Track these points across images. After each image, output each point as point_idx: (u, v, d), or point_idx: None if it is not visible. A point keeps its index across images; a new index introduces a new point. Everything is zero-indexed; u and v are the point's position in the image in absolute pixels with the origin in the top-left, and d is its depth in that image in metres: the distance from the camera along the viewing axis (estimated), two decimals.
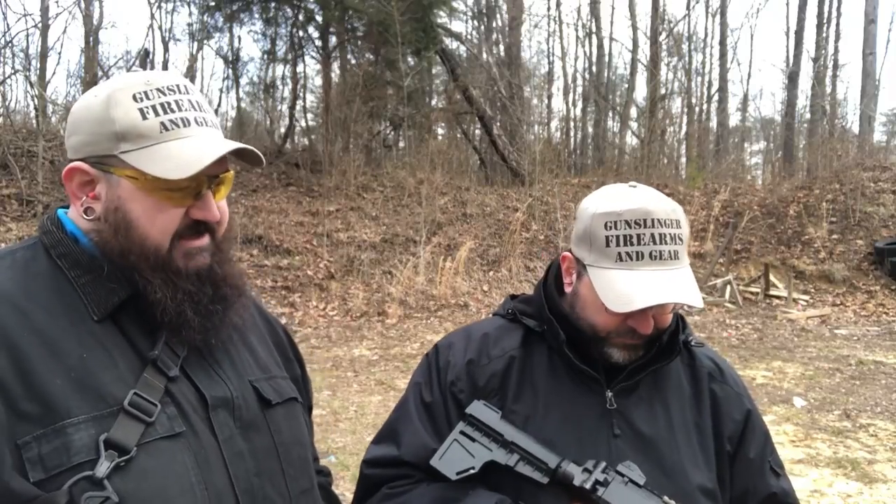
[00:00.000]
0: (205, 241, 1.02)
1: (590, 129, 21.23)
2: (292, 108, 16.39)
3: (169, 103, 0.98)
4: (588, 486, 1.11)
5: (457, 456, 1.17)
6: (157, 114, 0.96)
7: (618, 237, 1.15)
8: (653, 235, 1.14)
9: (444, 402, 1.26)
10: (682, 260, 1.18)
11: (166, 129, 0.97)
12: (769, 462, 1.28)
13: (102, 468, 0.84)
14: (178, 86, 1.00)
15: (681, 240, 1.18)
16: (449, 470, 1.16)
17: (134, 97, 0.96)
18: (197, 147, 0.97)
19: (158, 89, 0.98)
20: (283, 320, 9.44)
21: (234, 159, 1.04)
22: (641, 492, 1.11)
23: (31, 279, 0.95)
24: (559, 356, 1.25)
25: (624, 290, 1.13)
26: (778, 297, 11.30)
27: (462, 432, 1.19)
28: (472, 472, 1.15)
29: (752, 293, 11.61)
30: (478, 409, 1.20)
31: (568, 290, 1.27)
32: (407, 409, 1.29)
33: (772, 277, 11.65)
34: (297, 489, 1.07)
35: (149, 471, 0.88)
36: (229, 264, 1.06)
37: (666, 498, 1.10)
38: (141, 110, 0.96)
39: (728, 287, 11.41)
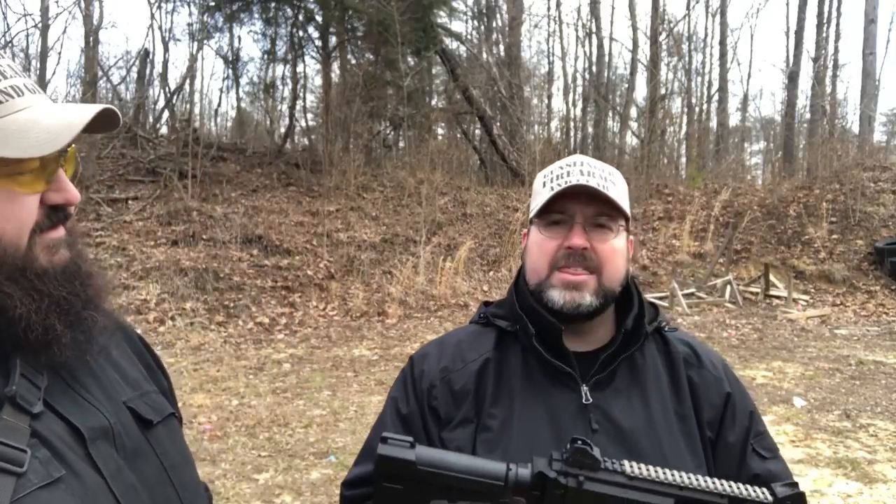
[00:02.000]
0: (61, 232, 0.86)
1: (590, 129, 21.24)
2: (292, 108, 16.40)
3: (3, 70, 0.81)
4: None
5: None
6: None
7: (552, 178, 1.24)
8: (581, 171, 1.22)
9: (421, 411, 1.24)
10: (612, 192, 1.20)
11: (6, 98, 0.80)
12: (752, 445, 1.24)
13: None
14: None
15: (613, 183, 1.22)
16: None
17: None
18: (53, 113, 0.82)
19: None
20: (283, 320, 9.47)
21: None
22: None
23: None
24: (532, 354, 1.24)
25: (546, 199, 1.21)
26: (778, 297, 11.30)
27: (385, 487, 0.97)
28: None
29: (752, 293, 11.61)
30: (387, 452, 0.96)
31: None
32: (384, 424, 1.27)
33: (772, 277, 11.65)
34: None
35: None
36: (87, 259, 0.91)
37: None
38: None
39: (728, 287, 11.42)
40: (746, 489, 0.94)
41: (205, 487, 1.10)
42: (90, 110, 0.83)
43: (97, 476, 0.82)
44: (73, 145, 0.86)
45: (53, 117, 0.81)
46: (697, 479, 0.94)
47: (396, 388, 1.31)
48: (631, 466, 0.95)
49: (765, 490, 0.94)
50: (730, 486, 0.94)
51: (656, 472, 0.95)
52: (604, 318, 1.26)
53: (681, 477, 0.94)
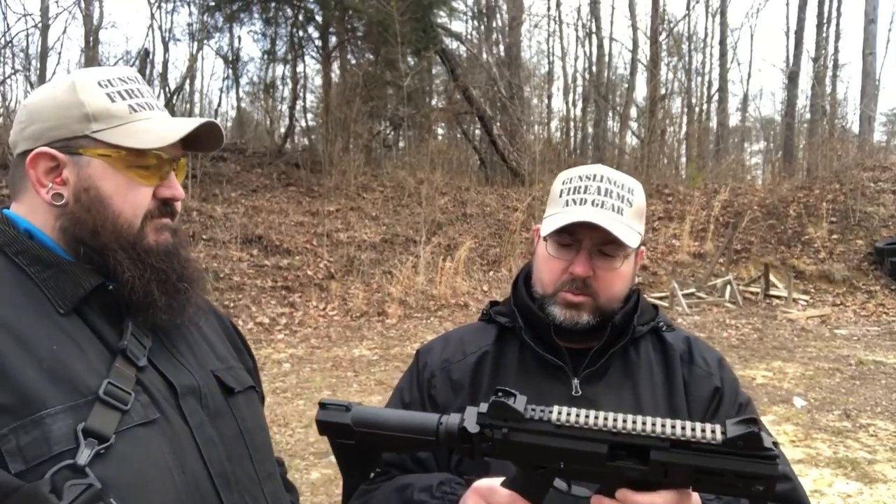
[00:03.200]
0: (168, 221, 1.07)
1: (590, 129, 21.24)
2: (292, 108, 16.40)
3: (131, 90, 1.04)
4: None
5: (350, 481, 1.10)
6: (123, 98, 1.02)
7: (569, 188, 1.27)
8: (598, 188, 1.24)
9: (422, 400, 1.30)
10: (626, 217, 1.23)
11: (134, 110, 1.02)
12: None
13: (83, 456, 0.85)
14: (135, 77, 1.07)
15: (629, 203, 1.25)
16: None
17: (99, 83, 1.02)
18: (169, 122, 1.05)
19: (119, 78, 1.05)
20: (283, 320, 9.47)
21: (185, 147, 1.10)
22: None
23: None
24: (528, 349, 1.29)
25: (559, 220, 1.22)
26: (778, 297, 11.30)
27: (338, 449, 1.07)
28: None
29: (752, 293, 11.61)
30: (324, 417, 1.05)
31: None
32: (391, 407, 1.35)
33: (772, 277, 11.65)
34: (265, 472, 1.11)
35: (128, 457, 0.89)
36: (187, 249, 1.10)
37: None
38: (108, 95, 1.01)
39: (728, 287, 11.41)
40: (693, 429, 0.86)
41: (280, 462, 1.27)
42: (194, 121, 1.05)
43: (184, 425, 0.99)
44: (184, 158, 1.10)
45: (167, 124, 1.04)
46: (634, 422, 0.88)
47: (403, 379, 1.40)
48: (559, 413, 0.92)
49: (715, 428, 0.87)
50: (672, 428, 0.87)
51: (587, 417, 0.90)
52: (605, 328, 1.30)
53: (614, 421, 0.89)
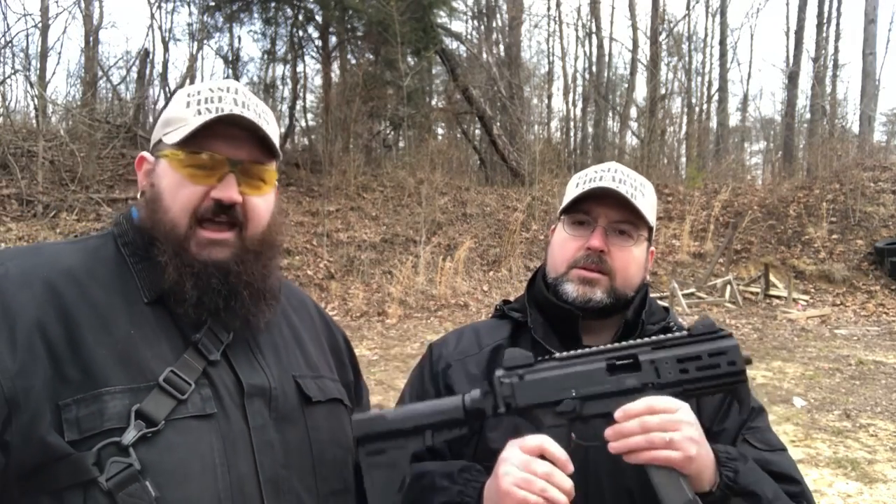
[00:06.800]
0: (227, 235, 1.05)
1: (590, 129, 21.23)
2: (292, 108, 16.41)
3: (212, 97, 1.06)
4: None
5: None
6: (198, 104, 1.05)
7: (585, 180, 1.29)
8: (613, 177, 1.27)
9: (436, 391, 1.32)
10: (639, 202, 1.25)
11: (199, 114, 1.04)
12: (743, 435, 1.23)
13: (129, 436, 0.89)
14: (228, 87, 1.09)
15: (642, 194, 1.27)
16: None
17: (188, 94, 1.08)
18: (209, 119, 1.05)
19: (210, 88, 1.08)
20: None
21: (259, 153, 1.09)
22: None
23: (97, 262, 1.04)
24: (540, 344, 1.31)
25: (576, 197, 1.28)
26: (778, 297, 11.30)
27: (371, 460, 1.16)
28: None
29: (752, 293, 11.61)
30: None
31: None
32: (402, 399, 1.38)
33: (772, 277, 11.65)
34: (328, 489, 1.09)
35: (174, 445, 0.92)
36: (257, 268, 1.07)
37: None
38: (188, 102, 1.06)
39: (728, 287, 11.41)
40: (666, 336, 1.09)
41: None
42: (223, 111, 1.03)
43: (243, 424, 1.00)
44: (261, 165, 1.07)
45: (203, 119, 1.03)
46: (623, 343, 1.08)
47: (414, 371, 1.41)
48: (561, 353, 1.12)
49: (682, 330, 1.08)
50: (650, 337, 1.10)
51: (584, 348, 1.11)
52: (616, 319, 1.30)
53: (605, 345, 1.10)
